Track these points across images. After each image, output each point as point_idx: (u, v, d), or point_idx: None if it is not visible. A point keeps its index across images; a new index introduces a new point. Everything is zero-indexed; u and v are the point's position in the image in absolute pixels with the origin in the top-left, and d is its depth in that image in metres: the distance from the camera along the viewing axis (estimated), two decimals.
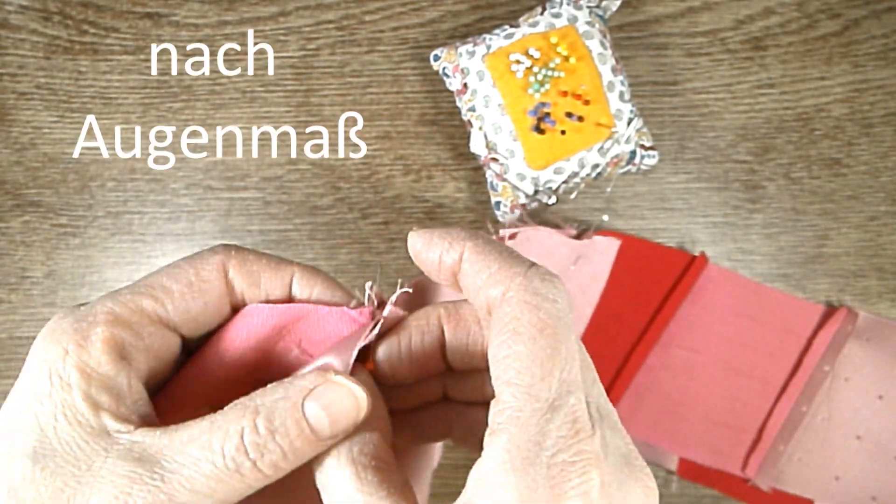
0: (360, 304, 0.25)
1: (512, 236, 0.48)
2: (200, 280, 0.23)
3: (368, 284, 0.24)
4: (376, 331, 0.24)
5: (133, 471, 0.20)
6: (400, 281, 0.25)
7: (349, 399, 0.22)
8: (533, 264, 0.21)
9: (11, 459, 0.21)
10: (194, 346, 0.25)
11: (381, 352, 0.24)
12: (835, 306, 0.50)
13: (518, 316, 0.20)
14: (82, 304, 0.23)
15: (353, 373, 0.23)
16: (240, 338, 0.25)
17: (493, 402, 0.20)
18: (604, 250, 0.50)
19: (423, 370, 0.24)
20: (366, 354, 0.24)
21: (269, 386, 0.22)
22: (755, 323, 0.50)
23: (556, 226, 0.49)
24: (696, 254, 0.50)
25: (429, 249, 0.23)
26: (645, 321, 0.50)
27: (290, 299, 0.25)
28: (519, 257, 0.22)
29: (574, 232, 0.50)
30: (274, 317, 0.24)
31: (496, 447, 0.19)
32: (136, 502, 0.20)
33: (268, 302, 0.25)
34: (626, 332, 0.50)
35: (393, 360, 0.24)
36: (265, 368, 0.25)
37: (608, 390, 0.50)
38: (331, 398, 0.21)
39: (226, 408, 0.21)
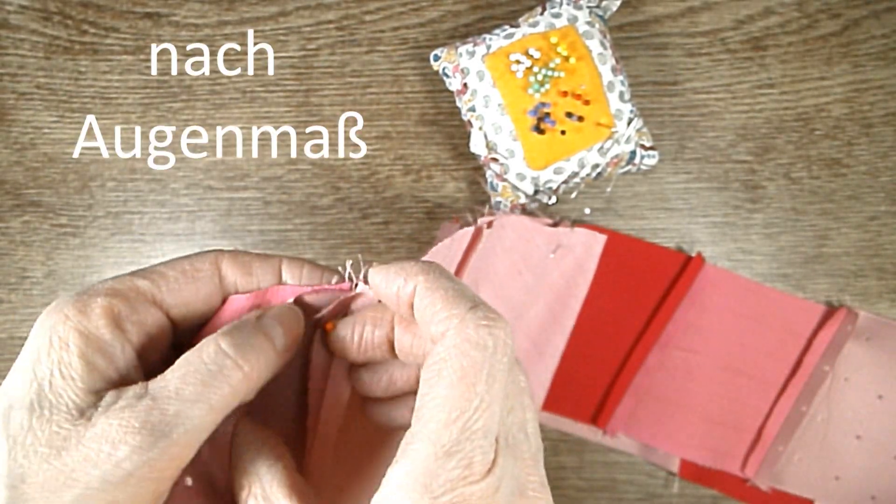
0: (342, 281, 0.27)
1: (489, 224, 0.48)
2: (194, 269, 0.26)
3: (348, 263, 0.27)
4: (340, 296, 0.27)
5: (126, 405, 0.22)
6: (361, 258, 0.28)
7: (293, 313, 0.26)
8: (475, 306, 0.23)
9: (11, 411, 0.23)
10: (186, 343, 0.26)
11: (337, 328, 0.27)
12: (835, 306, 0.50)
13: (445, 358, 0.22)
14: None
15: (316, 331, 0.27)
16: (227, 321, 0.26)
17: (407, 431, 0.22)
18: (587, 243, 0.50)
19: (369, 356, 0.26)
20: (327, 321, 0.27)
21: (239, 319, 0.25)
22: (754, 323, 0.50)
23: (532, 215, 0.49)
24: (693, 254, 0.50)
25: (387, 285, 0.25)
26: (642, 322, 0.50)
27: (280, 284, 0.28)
28: (462, 297, 0.23)
29: (550, 221, 0.50)
30: (258, 298, 0.27)
31: (391, 478, 0.21)
32: (132, 422, 0.22)
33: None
34: (623, 332, 0.50)
35: (345, 340, 0.26)
36: None
37: (607, 392, 0.50)
38: (279, 313, 0.26)
39: (200, 343, 0.24)
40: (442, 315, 0.23)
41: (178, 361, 0.23)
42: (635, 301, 0.50)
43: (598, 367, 0.50)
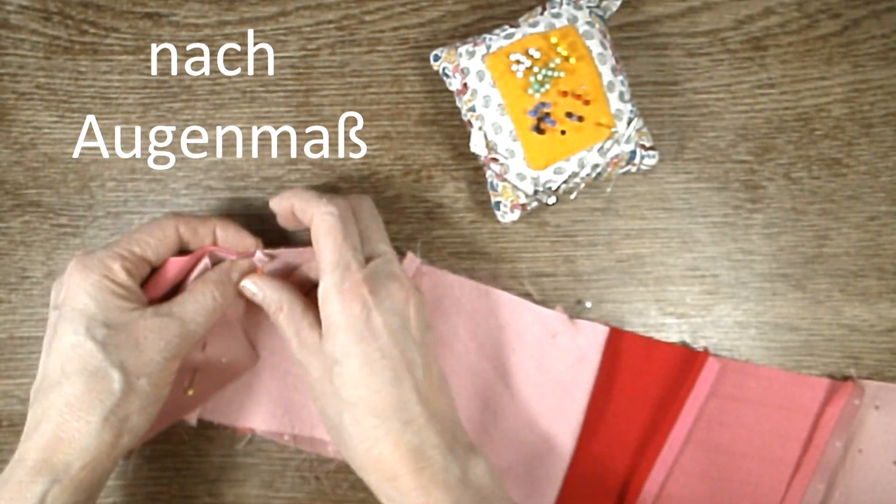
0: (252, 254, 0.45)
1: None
2: (165, 236, 0.42)
3: (259, 250, 0.45)
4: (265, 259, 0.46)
5: (161, 319, 0.40)
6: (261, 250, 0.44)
7: (251, 267, 0.45)
8: (321, 203, 0.41)
9: (92, 328, 0.39)
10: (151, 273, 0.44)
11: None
12: (838, 379, 0.49)
13: (318, 227, 0.41)
14: (89, 252, 0.41)
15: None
16: (173, 267, 0.44)
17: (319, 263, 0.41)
18: (588, 334, 0.49)
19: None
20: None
21: (215, 268, 0.44)
22: (759, 406, 0.49)
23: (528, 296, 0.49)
24: (698, 347, 0.49)
25: (299, 204, 0.43)
26: (653, 420, 0.49)
27: (215, 240, 0.44)
28: (316, 200, 0.42)
29: (565, 314, 0.49)
30: (195, 255, 0.44)
31: (323, 282, 0.40)
32: (171, 329, 0.40)
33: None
34: (634, 430, 0.49)
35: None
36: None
37: (624, 492, 0.49)
38: (245, 271, 0.44)
39: (195, 283, 0.43)
40: (311, 210, 0.41)
41: (187, 297, 0.42)
42: (643, 399, 0.49)
43: (612, 467, 0.49)
